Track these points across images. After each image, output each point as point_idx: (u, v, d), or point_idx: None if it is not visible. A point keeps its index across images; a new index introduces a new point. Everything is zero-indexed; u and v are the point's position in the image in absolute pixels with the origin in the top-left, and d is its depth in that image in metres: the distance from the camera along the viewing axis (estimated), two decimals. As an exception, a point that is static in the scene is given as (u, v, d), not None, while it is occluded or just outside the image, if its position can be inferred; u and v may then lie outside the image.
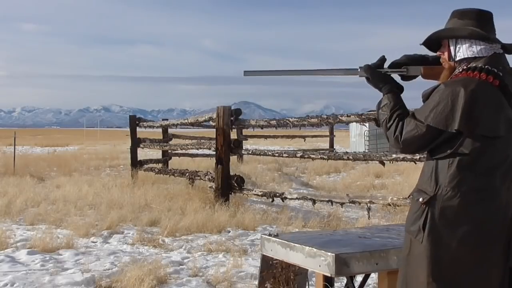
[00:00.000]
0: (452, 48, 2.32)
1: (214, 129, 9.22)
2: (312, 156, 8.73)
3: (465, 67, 2.25)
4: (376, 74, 2.44)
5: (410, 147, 2.27)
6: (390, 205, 7.13)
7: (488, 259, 2.18)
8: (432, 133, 2.20)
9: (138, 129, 13.28)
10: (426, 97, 2.26)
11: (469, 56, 2.27)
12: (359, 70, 2.49)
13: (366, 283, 3.44)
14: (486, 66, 2.20)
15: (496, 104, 2.17)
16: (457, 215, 2.16)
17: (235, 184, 8.88)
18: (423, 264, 2.20)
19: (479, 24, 2.28)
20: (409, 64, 2.46)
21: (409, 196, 2.43)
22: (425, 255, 2.19)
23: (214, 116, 9.20)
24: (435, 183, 2.20)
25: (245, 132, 19.10)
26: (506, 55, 2.33)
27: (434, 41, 2.39)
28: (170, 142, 15.18)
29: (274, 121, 8.65)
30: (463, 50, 2.29)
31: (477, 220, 2.16)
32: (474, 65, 2.22)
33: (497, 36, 2.32)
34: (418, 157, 6.47)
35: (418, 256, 2.22)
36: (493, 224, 2.17)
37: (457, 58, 2.30)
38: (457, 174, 2.17)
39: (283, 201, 8.44)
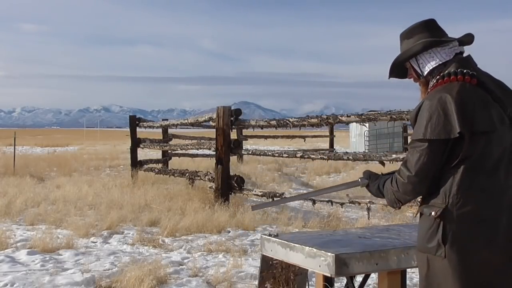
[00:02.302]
0: (416, 67, 2.38)
1: (214, 129, 9.23)
2: (312, 156, 8.73)
3: (438, 76, 2.28)
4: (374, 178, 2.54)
5: (426, 176, 2.20)
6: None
7: None
8: (437, 147, 2.16)
9: (138, 129, 13.28)
10: (414, 118, 2.26)
11: (435, 65, 2.32)
12: (359, 181, 2.61)
13: (366, 283, 3.44)
14: (459, 69, 2.24)
15: (483, 100, 2.20)
16: (474, 219, 2.14)
17: (235, 184, 8.88)
18: (451, 278, 2.15)
19: (429, 33, 2.34)
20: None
21: (416, 214, 2.41)
22: (452, 269, 2.14)
23: (214, 116, 9.20)
24: (443, 194, 2.18)
25: (245, 132, 19.11)
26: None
27: (400, 70, 2.45)
28: (170, 142, 15.19)
29: (274, 121, 8.64)
30: (426, 63, 2.34)
31: (494, 219, 2.15)
32: (446, 71, 2.26)
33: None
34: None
35: (442, 272, 2.17)
36: (508, 219, 2.17)
37: (425, 72, 2.35)
38: (464, 179, 2.15)
39: (283, 201, 8.44)
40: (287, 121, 8.36)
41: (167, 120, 14.22)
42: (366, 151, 22.83)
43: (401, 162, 2.32)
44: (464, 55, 2.36)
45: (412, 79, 2.44)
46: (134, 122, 13.23)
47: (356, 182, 2.63)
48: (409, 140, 2.82)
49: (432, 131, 2.15)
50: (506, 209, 2.16)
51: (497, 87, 2.27)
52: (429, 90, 2.31)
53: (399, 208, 2.40)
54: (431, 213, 2.19)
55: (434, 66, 2.32)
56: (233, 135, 11.61)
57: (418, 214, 2.33)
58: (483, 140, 2.16)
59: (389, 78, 2.47)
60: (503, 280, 2.16)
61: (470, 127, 2.13)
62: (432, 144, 2.17)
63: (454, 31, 2.40)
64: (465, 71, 2.23)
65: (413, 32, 2.38)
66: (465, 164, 2.15)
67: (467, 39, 2.37)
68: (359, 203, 7.36)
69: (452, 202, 2.15)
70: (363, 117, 7.34)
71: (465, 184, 2.15)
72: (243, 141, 17.16)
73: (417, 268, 2.35)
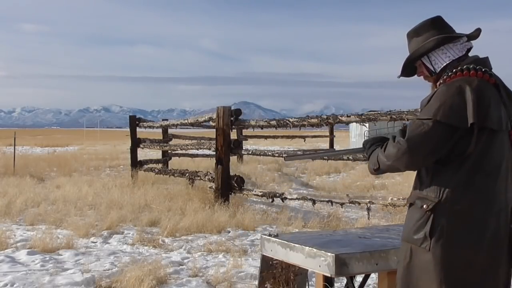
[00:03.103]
0: (428, 64, 2.35)
1: (214, 129, 9.23)
2: (312, 156, 8.72)
3: (454, 70, 2.26)
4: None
5: (418, 148, 2.14)
6: (390, 205, 7.13)
7: (498, 260, 2.17)
8: (443, 131, 2.12)
9: (138, 129, 13.28)
10: (426, 102, 2.23)
11: (449, 62, 2.30)
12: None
13: (366, 283, 3.44)
14: (478, 67, 2.23)
15: (496, 100, 2.20)
16: (465, 218, 2.13)
17: (235, 185, 8.88)
18: (432, 272, 2.15)
19: (438, 30, 2.33)
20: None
21: (406, 205, 2.40)
22: (434, 263, 2.14)
23: (214, 116, 9.20)
24: (438, 188, 2.17)
25: (245, 132, 19.10)
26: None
27: (410, 68, 2.42)
28: (170, 143, 15.18)
29: (274, 121, 8.64)
30: (440, 60, 2.32)
31: (484, 221, 2.14)
32: (465, 66, 2.24)
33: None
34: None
35: (424, 265, 2.17)
36: (500, 224, 2.17)
37: (438, 69, 2.32)
38: (462, 177, 2.14)
39: (283, 201, 8.44)
40: (287, 121, 8.36)
41: (167, 120, 14.22)
42: (366, 151, 22.79)
43: None
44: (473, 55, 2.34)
45: (422, 76, 2.41)
46: (134, 122, 13.23)
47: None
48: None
49: (443, 113, 2.12)
50: (496, 213, 2.16)
51: (505, 94, 2.27)
52: (441, 81, 2.29)
53: (373, 173, 2.36)
54: (423, 205, 2.19)
55: (447, 62, 2.30)
56: (233, 135, 11.61)
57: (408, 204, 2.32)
58: (487, 139, 2.16)
59: (399, 77, 2.44)
60: (484, 280, 2.16)
61: (483, 121, 2.12)
62: (438, 126, 2.12)
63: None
64: (483, 69, 2.23)
65: (421, 30, 2.36)
66: (465, 162, 2.15)
67: (475, 33, 2.36)
68: (359, 203, 7.36)
69: (446, 198, 2.15)
70: (363, 117, 7.34)
71: (462, 182, 2.15)
72: (243, 141, 17.17)
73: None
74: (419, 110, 2.30)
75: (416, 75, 2.44)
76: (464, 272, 2.14)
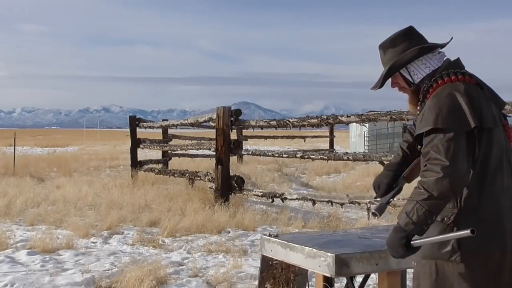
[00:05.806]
0: (406, 75, 2.29)
1: (214, 130, 9.23)
2: (312, 156, 8.73)
3: (433, 79, 2.23)
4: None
5: (461, 166, 2.03)
6: (390, 205, 7.12)
7: None
8: (457, 136, 2.06)
9: (138, 129, 13.27)
10: (421, 119, 2.16)
11: (429, 72, 2.26)
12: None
13: (366, 284, 3.44)
14: (456, 70, 2.22)
15: (484, 98, 2.20)
16: (487, 222, 2.10)
17: (235, 185, 8.88)
18: (468, 282, 2.11)
19: (413, 41, 2.30)
20: (394, 182, 2.48)
21: None
22: (469, 272, 2.10)
23: (214, 116, 9.20)
24: (454, 198, 2.11)
25: (245, 132, 19.12)
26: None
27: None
28: (170, 143, 15.18)
29: (274, 122, 8.64)
30: (419, 71, 2.27)
31: (502, 220, 2.13)
32: (444, 72, 2.23)
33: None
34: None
35: (457, 277, 2.12)
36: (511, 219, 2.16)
37: (418, 80, 2.28)
38: (474, 182, 2.12)
39: (283, 201, 8.44)
40: (287, 122, 8.36)
41: (167, 120, 14.22)
42: (366, 151, 22.83)
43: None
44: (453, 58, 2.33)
45: (397, 88, 2.36)
46: (134, 122, 13.23)
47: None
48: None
49: (443, 121, 2.07)
50: (509, 209, 2.16)
51: (487, 90, 2.26)
52: (421, 94, 2.27)
53: (416, 230, 2.09)
54: (443, 218, 2.13)
55: (428, 73, 2.26)
56: (233, 135, 11.61)
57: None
58: (487, 139, 2.15)
59: (375, 88, 2.36)
60: None
61: (480, 123, 2.11)
62: (458, 134, 2.06)
63: (451, 32, 2.39)
64: (462, 71, 2.22)
65: (397, 40, 2.32)
66: (473, 166, 2.12)
67: (447, 42, 2.33)
68: (359, 204, 7.36)
69: (465, 205, 2.11)
70: (363, 117, 7.34)
71: (475, 186, 2.12)
72: (243, 142, 17.18)
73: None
74: (414, 127, 2.27)
75: (391, 87, 2.37)
76: (497, 274, 2.12)
